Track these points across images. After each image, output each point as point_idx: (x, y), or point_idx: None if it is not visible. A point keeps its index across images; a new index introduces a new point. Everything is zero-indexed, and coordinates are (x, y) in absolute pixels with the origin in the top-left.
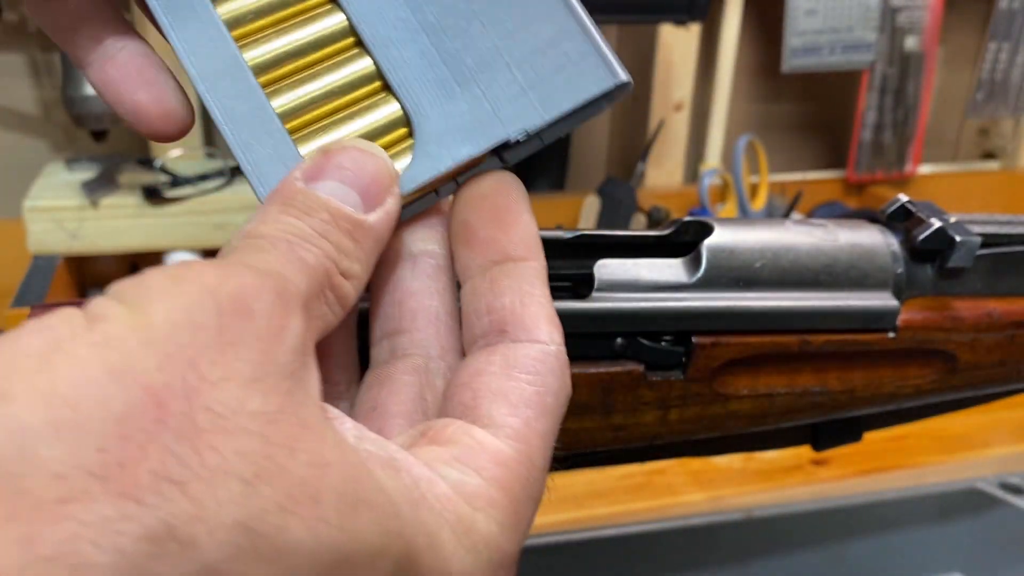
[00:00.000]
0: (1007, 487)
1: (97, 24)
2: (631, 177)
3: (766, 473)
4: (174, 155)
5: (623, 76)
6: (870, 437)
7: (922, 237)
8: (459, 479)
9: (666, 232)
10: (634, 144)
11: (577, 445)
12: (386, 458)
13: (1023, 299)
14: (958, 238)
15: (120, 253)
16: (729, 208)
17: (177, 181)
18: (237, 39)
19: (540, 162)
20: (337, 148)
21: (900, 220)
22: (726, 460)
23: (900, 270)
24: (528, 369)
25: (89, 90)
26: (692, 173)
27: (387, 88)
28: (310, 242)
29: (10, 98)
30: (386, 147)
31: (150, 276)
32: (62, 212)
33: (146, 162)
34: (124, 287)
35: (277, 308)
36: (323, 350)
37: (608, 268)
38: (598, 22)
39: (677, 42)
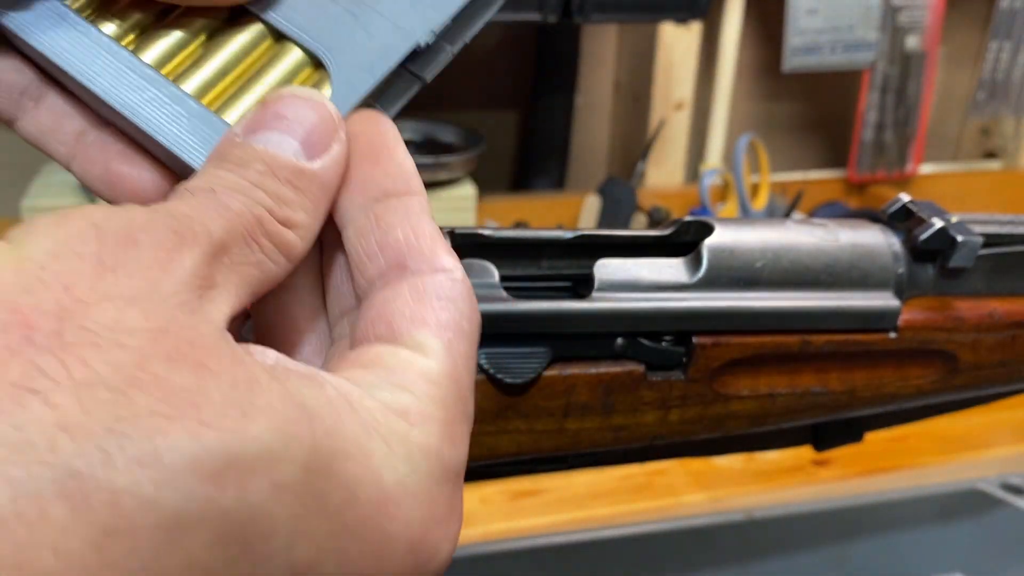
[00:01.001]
0: (1008, 488)
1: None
2: (631, 177)
3: (767, 474)
4: None
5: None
6: (871, 437)
7: (923, 237)
8: (391, 397)
9: (666, 232)
10: (634, 144)
11: (578, 445)
12: (309, 374)
13: None
14: (959, 238)
15: None
16: (730, 208)
17: None
18: (129, 46)
19: (540, 162)
20: (275, 97)
21: (901, 220)
22: (727, 461)
23: (901, 270)
24: (440, 295)
25: None
26: (693, 173)
27: (283, 38)
28: (240, 192)
29: None
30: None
31: (39, 218)
32: None
33: None
34: (14, 230)
35: (167, 241)
36: (279, 310)
37: (608, 268)
38: (598, 21)
39: (678, 41)
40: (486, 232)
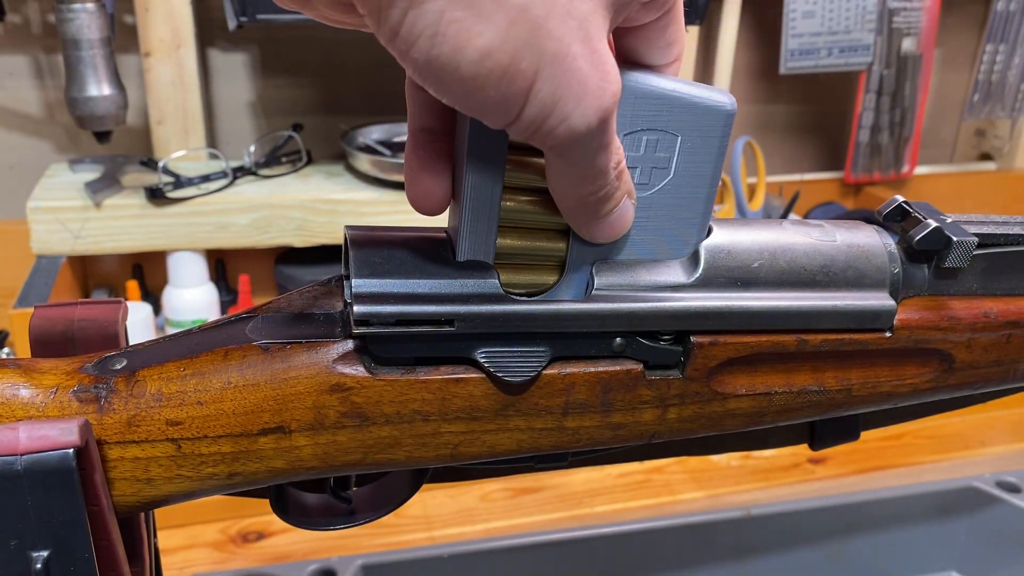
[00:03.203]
0: (1003, 485)
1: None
2: None
3: (764, 471)
4: (177, 156)
5: (691, 251)
6: (868, 436)
7: (919, 237)
8: None
9: None
10: None
11: (577, 443)
12: None
13: (1019, 299)
14: (954, 238)
15: (123, 253)
16: (727, 209)
17: (180, 182)
18: (509, 167)
19: None
20: None
21: (897, 220)
22: (724, 458)
23: (897, 270)
24: None
25: (92, 91)
26: None
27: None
28: None
29: (14, 99)
30: (536, 262)
31: None
32: (65, 213)
33: (149, 163)
34: None
35: None
36: None
37: (607, 268)
38: None
39: None
40: None
